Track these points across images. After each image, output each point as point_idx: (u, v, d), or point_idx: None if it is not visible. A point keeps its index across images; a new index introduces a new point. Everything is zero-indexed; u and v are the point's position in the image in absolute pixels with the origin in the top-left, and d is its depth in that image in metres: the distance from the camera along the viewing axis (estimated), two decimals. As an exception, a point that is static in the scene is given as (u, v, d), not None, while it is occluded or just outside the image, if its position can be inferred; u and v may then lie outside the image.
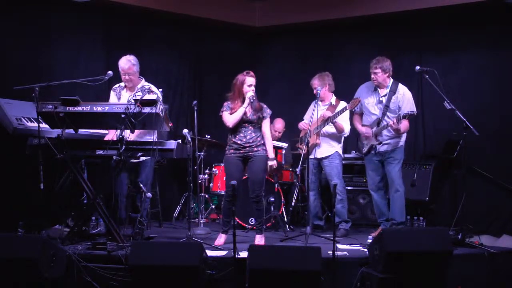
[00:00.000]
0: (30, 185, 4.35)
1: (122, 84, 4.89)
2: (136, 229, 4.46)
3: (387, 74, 5.08)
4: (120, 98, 4.82)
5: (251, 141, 4.59)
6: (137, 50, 5.72)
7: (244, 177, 4.96)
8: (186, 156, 4.59)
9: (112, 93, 4.92)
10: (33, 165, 4.19)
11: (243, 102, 4.58)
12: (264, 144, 4.68)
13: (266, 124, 4.71)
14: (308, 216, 5.17)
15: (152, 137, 4.54)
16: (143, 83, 4.86)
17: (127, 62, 4.74)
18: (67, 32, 6.07)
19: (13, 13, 5.65)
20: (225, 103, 4.68)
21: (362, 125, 5.27)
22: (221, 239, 4.66)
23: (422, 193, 5.85)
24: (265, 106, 4.72)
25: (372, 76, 5.09)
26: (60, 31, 6.02)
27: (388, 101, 5.06)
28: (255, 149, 4.60)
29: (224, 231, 4.67)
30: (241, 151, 4.61)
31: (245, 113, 4.59)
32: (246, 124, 4.61)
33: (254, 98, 4.57)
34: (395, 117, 4.90)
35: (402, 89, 5.09)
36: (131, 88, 4.82)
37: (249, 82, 4.59)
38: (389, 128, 4.96)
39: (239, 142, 4.60)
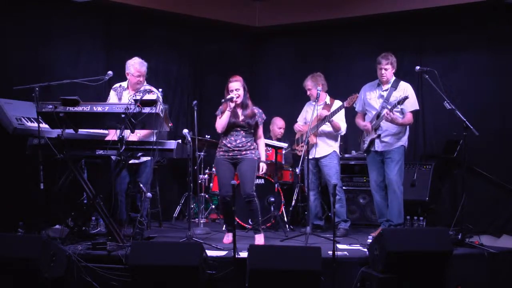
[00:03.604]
0: (30, 185, 4.35)
1: (124, 84, 4.88)
2: (136, 229, 4.46)
3: (394, 70, 5.10)
4: (121, 99, 4.82)
5: (240, 145, 4.64)
6: (137, 50, 5.70)
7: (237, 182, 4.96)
8: (186, 156, 4.59)
9: (112, 92, 4.90)
10: (33, 165, 4.18)
11: (231, 106, 4.62)
12: (254, 149, 4.73)
13: (260, 130, 4.81)
14: (308, 216, 5.17)
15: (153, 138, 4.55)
16: (145, 84, 4.85)
17: (143, 65, 4.76)
18: (67, 32, 6.07)
19: (13, 13, 5.65)
20: (220, 107, 4.73)
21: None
22: (229, 237, 4.67)
23: (422, 193, 5.85)
24: (259, 111, 4.78)
25: (383, 72, 5.05)
26: (60, 31, 6.02)
27: (389, 95, 5.05)
28: (244, 152, 4.66)
29: (229, 230, 4.69)
30: (229, 154, 4.66)
31: (237, 118, 4.65)
32: (238, 129, 4.67)
33: (233, 100, 4.58)
34: (389, 108, 4.90)
35: (404, 85, 5.09)
36: (135, 90, 4.81)
37: (230, 87, 4.66)
38: (385, 120, 4.95)
39: (228, 145, 4.66)
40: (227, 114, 4.61)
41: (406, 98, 4.85)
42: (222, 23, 7.07)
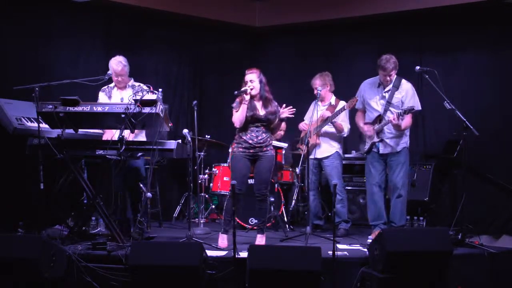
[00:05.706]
0: (30, 185, 4.35)
1: (111, 84, 4.84)
2: (136, 229, 4.46)
3: (396, 70, 5.00)
4: (111, 97, 4.79)
5: (261, 141, 4.55)
6: (137, 50, 5.74)
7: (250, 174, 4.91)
8: (186, 156, 4.59)
9: (101, 94, 4.83)
10: (33, 165, 4.18)
11: (245, 99, 4.54)
12: (271, 144, 4.66)
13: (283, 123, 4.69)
14: (308, 216, 5.16)
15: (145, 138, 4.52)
16: (132, 82, 4.82)
17: (119, 64, 4.67)
18: (67, 32, 6.08)
19: (13, 13, 5.65)
20: (236, 99, 4.61)
21: (365, 123, 5.17)
22: (224, 240, 4.55)
23: (422, 193, 5.85)
24: (276, 104, 4.64)
25: (387, 78, 4.93)
26: (60, 31, 6.02)
27: (391, 97, 4.96)
28: (265, 149, 4.58)
29: (224, 230, 4.56)
30: (250, 151, 4.55)
31: (255, 110, 4.54)
32: (259, 124, 4.56)
33: (247, 92, 4.50)
34: (396, 112, 4.84)
35: (406, 85, 4.99)
36: (121, 88, 4.80)
37: (246, 79, 4.58)
38: (390, 124, 4.91)
39: (249, 141, 4.54)
40: (243, 108, 4.48)
41: (412, 108, 4.78)
42: (222, 23, 7.07)
